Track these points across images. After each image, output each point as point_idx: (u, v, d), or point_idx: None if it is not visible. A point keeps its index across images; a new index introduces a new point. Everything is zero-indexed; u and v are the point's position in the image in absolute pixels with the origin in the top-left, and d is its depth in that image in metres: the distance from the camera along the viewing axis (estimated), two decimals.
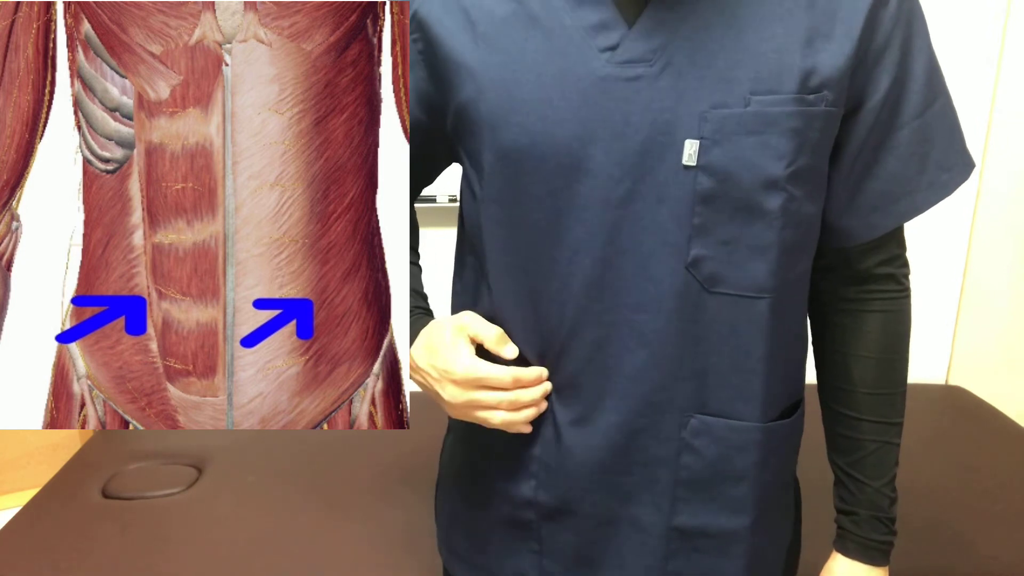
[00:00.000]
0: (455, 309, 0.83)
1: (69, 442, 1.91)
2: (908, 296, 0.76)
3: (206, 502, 1.54)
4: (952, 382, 2.14)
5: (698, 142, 0.64)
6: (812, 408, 0.85)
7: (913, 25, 0.66)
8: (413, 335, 0.77)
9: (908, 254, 0.76)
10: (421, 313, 0.79)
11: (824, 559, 0.82)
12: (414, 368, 0.76)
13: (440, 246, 1.94)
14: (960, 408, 1.95)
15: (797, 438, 0.79)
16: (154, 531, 1.44)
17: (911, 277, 0.76)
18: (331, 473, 1.64)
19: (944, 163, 0.70)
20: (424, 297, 0.83)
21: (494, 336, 0.73)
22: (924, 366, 2.13)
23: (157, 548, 1.39)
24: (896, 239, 0.74)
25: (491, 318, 0.76)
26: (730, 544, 0.74)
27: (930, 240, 2.02)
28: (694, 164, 0.64)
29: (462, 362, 0.70)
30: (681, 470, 0.72)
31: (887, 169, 0.69)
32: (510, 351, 0.73)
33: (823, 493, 0.88)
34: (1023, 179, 1.97)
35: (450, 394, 0.71)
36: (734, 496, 0.73)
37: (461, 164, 0.78)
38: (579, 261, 0.69)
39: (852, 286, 0.75)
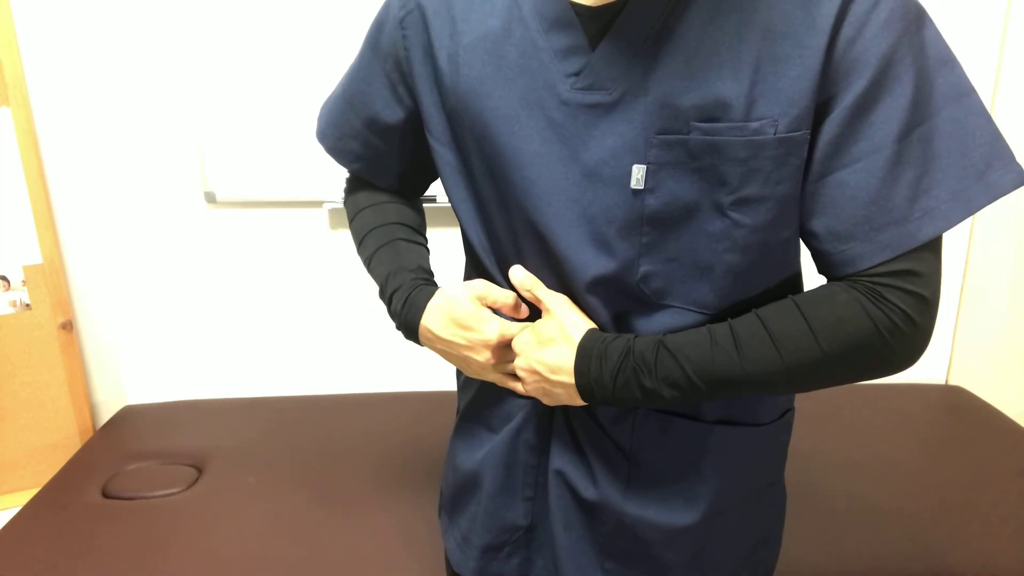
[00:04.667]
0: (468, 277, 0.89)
1: (69, 442, 1.91)
2: (898, 326, 0.62)
3: (206, 502, 1.54)
4: (952, 382, 2.14)
5: (645, 167, 0.66)
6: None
7: (896, 52, 0.60)
8: (416, 305, 0.80)
9: None
10: (423, 284, 0.82)
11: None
12: (434, 338, 0.79)
13: (441, 246, 1.94)
14: (960, 408, 1.95)
15: (766, 444, 0.79)
16: (154, 531, 1.44)
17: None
18: (331, 473, 1.64)
19: (938, 191, 0.61)
20: (429, 272, 0.85)
21: (511, 302, 0.77)
22: (924, 366, 2.14)
23: (157, 548, 1.39)
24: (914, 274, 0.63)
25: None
26: (676, 537, 0.77)
27: None
28: (642, 188, 0.67)
29: (494, 329, 0.75)
30: (634, 461, 0.77)
31: (864, 190, 0.62)
32: (524, 312, 0.78)
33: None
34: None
35: (485, 358, 0.76)
36: (683, 491, 0.76)
37: (435, 161, 0.81)
38: (533, 272, 0.75)
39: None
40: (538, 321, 0.75)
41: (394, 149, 0.86)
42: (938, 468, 1.64)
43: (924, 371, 2.14)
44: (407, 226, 0.88)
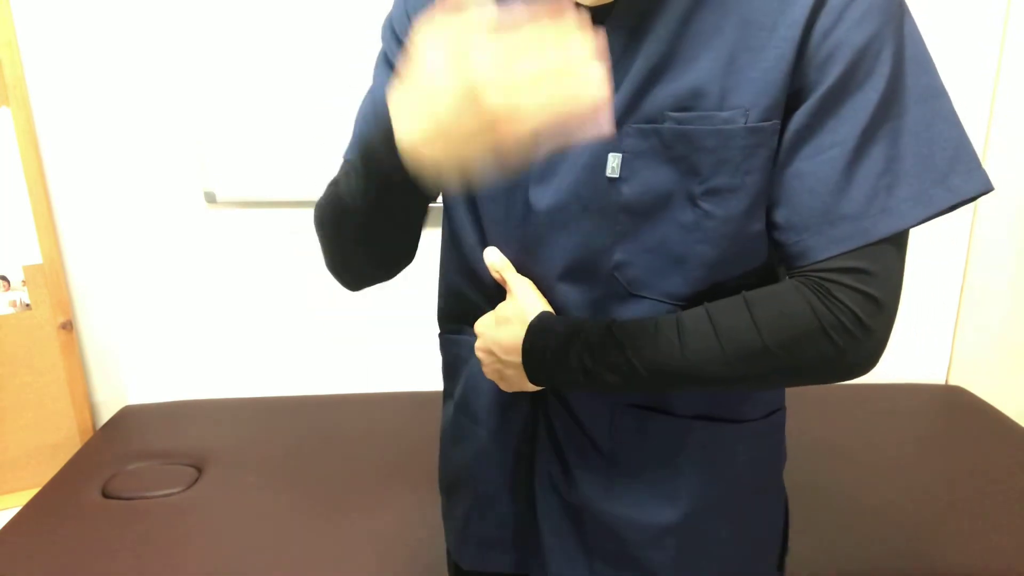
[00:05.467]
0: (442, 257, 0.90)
1: (69, 442, 1.91)
2: (846, 326, 0.61)
3: (206, 502, 1.54)
4: (952, 382, 2.14)
5: (620, 155, 0.67)
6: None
7: (872, 47, 0.60)
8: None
9: (908, 255, 0.66)
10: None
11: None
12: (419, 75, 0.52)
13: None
14: (960, 408, 1.95)
15: (751, 443, 0.79)
16: (154, 531, 1.44)
17: (906, 285, 0.66)
18: (331, 473, 1.64)
19: (902, 191, 0.61)
20: None
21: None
22: (924, 366, 2.13)
23: (157, 548, 1.39)
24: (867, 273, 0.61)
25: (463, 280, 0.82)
26: (659, 536, 0.77)
27: (930, 240, 2.02)
28: (617, 176, 0.67)
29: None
30: (611, 458, 0.76)
31: (823, 182, 0.61)
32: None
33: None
34: (1023, 179, 1.97)
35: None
36: (663, 489, 0.76)
37: None
38: (514, 259, 0.76)
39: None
40: (500, 304, 0.75)
41: None
42: (938, 468, 1.64)
43: (924, 371, 2.14)
44: None
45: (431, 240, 1.92)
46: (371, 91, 0.82)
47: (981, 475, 1.61)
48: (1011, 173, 1.97)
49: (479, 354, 0.76)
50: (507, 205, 0.74)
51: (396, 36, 0.78)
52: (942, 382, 2.15)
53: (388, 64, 0.79)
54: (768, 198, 0.65)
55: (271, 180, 1.85)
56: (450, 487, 0.92)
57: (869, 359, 0.63)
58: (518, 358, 0.71)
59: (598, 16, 0.66)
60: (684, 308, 0.69)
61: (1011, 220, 2.00)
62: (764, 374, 0.64)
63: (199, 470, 1.66)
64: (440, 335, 0.91)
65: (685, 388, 0.67)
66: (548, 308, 0.73)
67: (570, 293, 0.73)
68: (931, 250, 2.03)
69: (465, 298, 0.83)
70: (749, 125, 0.62)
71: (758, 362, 0.63)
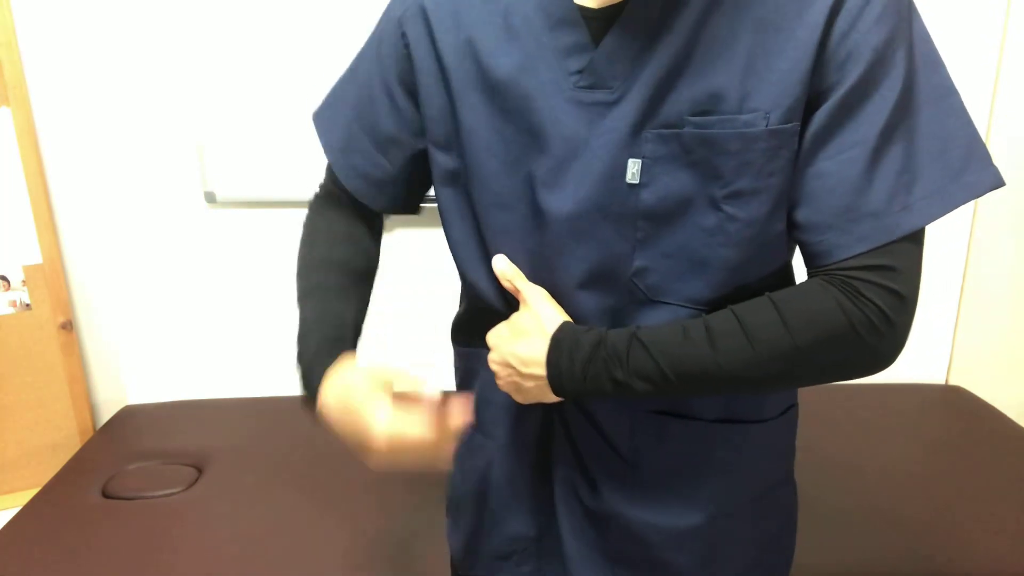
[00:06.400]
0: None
1: (69, 442, 1.91)
2: (874, 324, 0.62)
3: (206, 502, 1.54)
4: (952, 382, 2.14)
5: (640, 161, 0.66)
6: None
7: (888, 47, 0.61)
8: (313, 379, 0.71)
9: None
10: (327, 352, 0.73)
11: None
12: (330, 423, 0.70)
13: (439, 248, 1.94)
14: (960, 408, 1.95)
15: (770, 442, 0.79)
16: (154, 531, 1.44)
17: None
18: (331, 473, 1.64)
19: (919, 188, 0.62)
20: (342, 333, 0.77)
21: (411, 380, 0.67)
22: (924, 366, 2.13)
23: (157, 548, 1.39)
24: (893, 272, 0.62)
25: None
26: (683, 539, 0.77)
27: (930, 240, 2.02)
28: (637, 182, 0.67)
29: (381, 428, 0.64)
30: (633, 464, 0.76)
31: (845, 181, 0.62)
32: (429, 389, 0.68)
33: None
34: (1023, 178, 1.97)
35: (374, 459, 0.67)
36: (686, 492, 0.76)
37: (433, 163, 0.79)
38: (525, 266, 0.74)
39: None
40: (514, 314, 0.74)
41: (396, 164, 0.81)
42: (938, 468, 1.64)
43: (924, 371, 2.14)
44: (351, 271, 0.81)
45: (432, 241, 1.93)
46: (351, 68, 0.84)
47: (981, 475, 1.61)
48: (1011, 173, 1.97)
49: (493, 366, 0.74)
50: (517, 214, 0.73)
51: (384, 38, 0.78)
52: (942, 382, 2.15)
53: (377, 44, 0.80)
54: (789, 198, 0.65)
55: (271, 180, 1.85)
56: (459, 501, 0.91)
57: (892, 354, 0.64)
58: (540, 370, 0.70)
59: (608, 19, 0.66)
60: (705, 312, 0.69)
61: (1011, 220, 2.00)
62: (794, 374, 0.64)
63: (199, 470, 1.66)
64: (454, 347, 0.91)
65: (715, 392, 0.66)
66: (566, 318, 0.72)
67: (588, 301, 0.72)
68: (931, 250, 2.03)
69: (476, 313, 0.82)
70: (770, 128, 0.62)
71: (789, 362, 0.63)
